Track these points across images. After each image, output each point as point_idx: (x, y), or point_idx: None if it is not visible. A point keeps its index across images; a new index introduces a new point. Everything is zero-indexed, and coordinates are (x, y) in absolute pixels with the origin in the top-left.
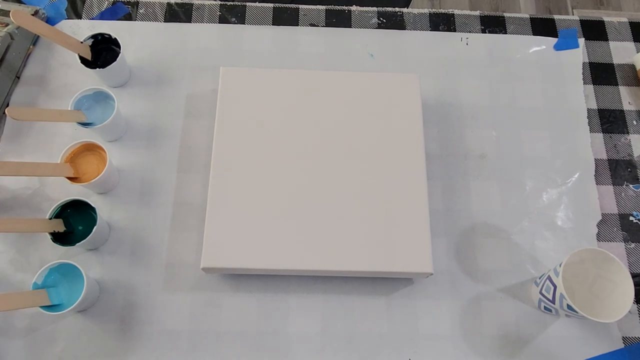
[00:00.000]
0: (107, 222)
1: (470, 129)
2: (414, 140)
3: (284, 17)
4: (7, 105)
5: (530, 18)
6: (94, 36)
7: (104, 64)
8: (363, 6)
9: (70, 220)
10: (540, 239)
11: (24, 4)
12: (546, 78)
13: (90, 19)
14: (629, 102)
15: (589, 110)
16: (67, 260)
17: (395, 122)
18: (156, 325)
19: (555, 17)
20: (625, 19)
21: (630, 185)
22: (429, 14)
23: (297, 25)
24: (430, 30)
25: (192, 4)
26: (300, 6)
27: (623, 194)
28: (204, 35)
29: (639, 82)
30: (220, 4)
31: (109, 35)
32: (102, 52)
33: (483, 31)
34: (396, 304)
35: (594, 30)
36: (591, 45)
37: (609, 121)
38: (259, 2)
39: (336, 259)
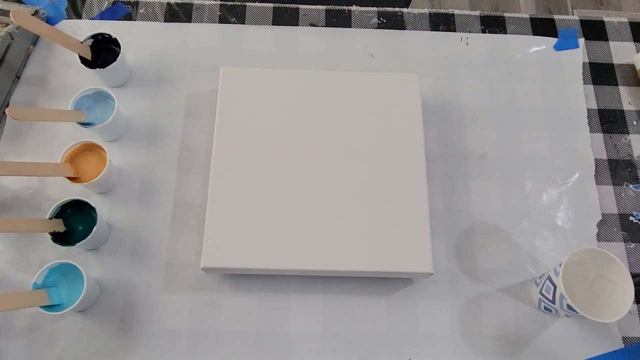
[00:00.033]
0: (107, 222)
1: (470, 129)
2: (414, 140)
3: (284, 17)
4: (7, 105)
5: (530, 18)
6: (94, 36)
7: (104, 64)
8: (363, 6)
9: (70, 220)
10: (540, 239)
11: (24, 3)
12: (546, 78)
13: (90, 19)
14: (629, 102)
15: (589, 110)
16: (67, 260)
17: (395, 122)
18: (156, 325)
19: (555, 17)
20: (625, 19)
21: (630, 185)
22: (429, 14)
23: (297, 25)
24: (430, 30)
25: (192, 4)
26: (300, 6)
27: (623, 194)
28: (204, 35)
29: (639, 82)
30: (221, 4)
31: (109, 35)
32: (102, 52)
33: (483, 31)
34: (396, 304)
35: (594, 30)
36: (591, 45)
37: (609, 121)
38: (259, 2)
39: (336, 259)
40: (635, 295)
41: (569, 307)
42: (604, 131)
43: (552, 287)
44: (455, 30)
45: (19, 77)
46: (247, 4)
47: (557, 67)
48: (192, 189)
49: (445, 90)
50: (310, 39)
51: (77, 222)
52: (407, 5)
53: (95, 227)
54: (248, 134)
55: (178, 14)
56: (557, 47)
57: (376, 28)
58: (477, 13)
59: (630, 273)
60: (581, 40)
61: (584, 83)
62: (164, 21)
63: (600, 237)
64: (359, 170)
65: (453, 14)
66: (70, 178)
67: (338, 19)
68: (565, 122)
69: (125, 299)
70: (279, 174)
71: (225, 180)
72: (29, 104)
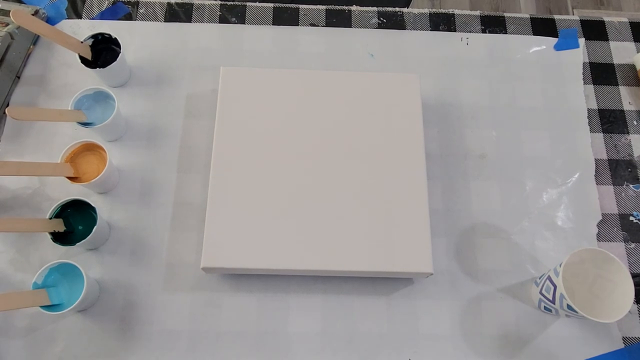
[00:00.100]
0: (107, 222)
1: (470, 129)
2: (414, 140)
3: (284, 17)
4: (8, 105)
5: (531, 18)
6: (94, 36)
7: (104, 64)
8: (363, 6)
9: (70, 220)
10: (540, 239)
11: (25, 3)
12: (546, 78)
13: (91, 19)
14: (629, 102)
15: (589, 110)
16: (67, 260)
17: (395, 122)
18: (156, 325)
19: (556, 17)
20: (625, 19)
21: (631, 185)
22: (429, 13)
23: (297, 25)
24: (431, 30)
25: (192, 4)
26: (301, 6)
27: (623, 194)
28: (204, 35)
29: (639, 82)
30: (221, 4)
31: (109, 35)
32: (102, 52)
33: (483, 31)
34: (396, 304)
35: (594, 30)
36: (591, 45)
37: (609, 121)
38: (259, 2)
39: (336, 259)
40: (635, 295)
41: (569, 307)
42: (604, 131)
43: (552, 287)
44: (455, 30)
45: (19, 77)
46: (247, 3)
47: (557, 67)
48: (192, 189)
49: (445, 90)
50: (310, 39)
51: (77, 222)
52: (407, 5)
53: (95, 227)
54: (248, 134)
55: (178, 14)
56: (558, 47)
57: (376, 28)
58: (478, 13)
59: (630, 273)
60: (581, 40)
61: (584, 83)
62: (164, 21)
63: (600, 237)
64: (359, 170)
65: (453, 14)
66: (70, 178)
67: (338, 19)
68: (565, 122)
69: (125, 298)
70: (279, 174)
71: (225, 180)
72: (29, 104)
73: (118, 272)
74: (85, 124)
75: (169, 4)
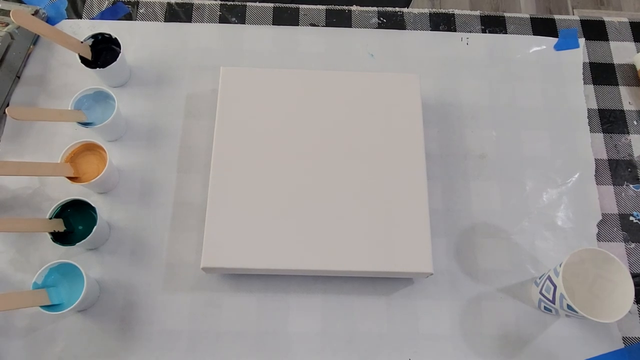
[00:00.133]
0: (107, 222)
1: (471, 129)
2: (414, 140)
3: (284, 17)
4: (8, 105)
5: (531, 18)
6: (94, 36)
7: (104, 64)
8: (363, 6)
9: (70, 220)
10: (540, 239)
11: (25, 3)
12: (546, 78)
13: (91, 19)
14: (629, 102)
15: (589, 110)
16: (67, 260)
17: (395, 122)
18: (156, 325)
19: (556, 17)
20: (625, 19)
21: (631, 185)
22: (429, 13)
23: (297, 25)
24: (431, 30)
25: (192, 4)
26: (301, 6)
27: (623, 194)
28: (204, 35)
29: (639, 82)
30: (221, 4)
31: (109, 35)
32: (103, 51)
33: (483, 31)
34: (396, 304)
35: (595, 30)
36: (591, 45)
37: (609, 121)
38: (259, 2)
39: (336, 259)
40: (635, 295)
41: (569, 307)
42: (604, 131)
43: (552, 287)
44: (455, 30)
45: (19, 77)
46: (248, 3)
47: (557, 67)
48: (192, 189)
49: (446, 90)
50: (310, 39)
51: (77, 222)
52: (407, 5)
53: (95, 227)
54: (248, 134)
55: (178, 14)
56: (558, 47)
57: (376, 28)
58: (478, 13)
59: (630, 273)
60: (581, 40)
61: (584, 83)
62: (164, 21)
63: (600, 237)
64: (359, 170)
65: (453, 14)
66: (70, 178)
67: (338, 19)
68: (565, 122)
69: (125, 298)
70: (279, 174)
71: (225, 180)
72: (29, 104)
73: (118, 272)
74: (85, 124)
75: (169, 4)
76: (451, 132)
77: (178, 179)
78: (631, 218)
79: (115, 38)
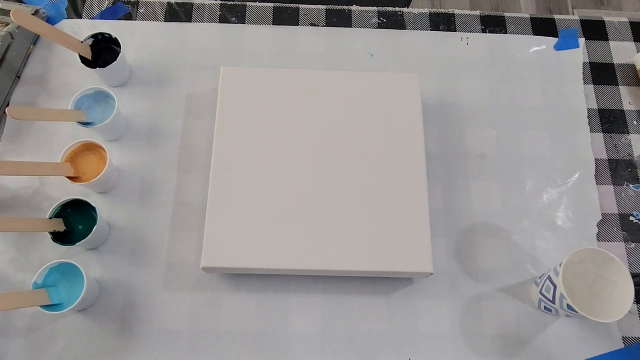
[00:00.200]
0: (108, 221)
1: (471, 129)
2: (414, 140)
3: (285, 17)
4: (8, 105)
5: (531, 18)
6: (95, 36)
7: (104, 64)
8: (363, 6)
9: (70, 220)
10: (540, 239)
11: (25, 3)
12: (546, 78)
13: (91, 19)
14: (630, 102)
15: (589, 110)
16: (68, 259)
17: (395, 122)
18: (156, 325)
19: (556, 17)
20: (625, 19)
21: (631, 186)
22: (430, 13)
23: (298, 25)
24: (431, 30)
25: (192, 4)
26: (301, 6)
27: (623, 194)
28: (204, 35)
29: (639, 82)
30: (221, 4)
31: (110, 35)
32: (103, 51)
33: (483, 31)
34: (396, 304)
35: (595, 30)
36: (592, 45)
37: (610, 121)
38: (260, 2)
39: (336, 259)
40: (636, 295)
41: (569, 307)
42: (605, 131)
43: (553, 287)
44: (455, 30)
45: (19, 77)
46: (248, 3)
47: (557, 67)
48: (192, 189)
49: (446, 90)
50: (310, 39)
51: (78, 222)
52: (407, 5)
53: (95, 226)
54: (248, 134)
55: (178, 14)
56: (558, 47)
57: (376, 28)
58: (478, 13)
59: (631, 273)
60: (582, 40)
61: (585, 83)
62: (165, 21)
63: (600, 237)
64: (359, 170)
65: (453, 14)
66: (70, 178)
67: (338, 19)
68: (565, 122)
69: (126, 298)
70: (279, 174)
71: (225, 180)
72: (29, 104)
73: (118, 272)
74: (85, 124)
75: (169, 4)
76: (451, 132)
77: (178, 179)
78: (631, 218)
79: (116, 38)
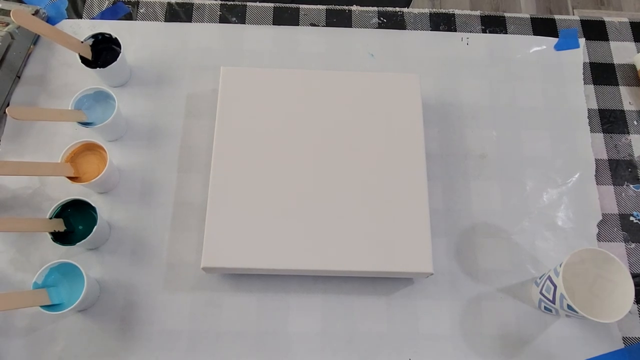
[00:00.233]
0: (108, 221)
1: (471, 128)
2: (415, 140)
3: (285, 17)
4: (8, 105)
5: (531, 18)
6: (95, 36)
7: (104, 64)
8: (363, 6)
9: (70, 220)
10: (540, 239)
11: (25, 3)
12: (547, 78)
13: (91, 19)
14: (630, 102)
15: (589, 110)
16: (68, 259)
17: (395, 122)
18: (156, 325)
19: (556, 17)
20: (625, 19)
21: (631, 186)
22: (430, 13)
23: (298, 25)
24: (431, 30)
25: (192, 4)
26: (301, 6)
27: (623, 194)
28: (204, 35)
29: (639, 82)
30: (221, 4)
31: (110, 34)
32: (103, 51)
33: (483, 31)
34: (396, 304)
35: (595, 30)
36: (592, 45)
37: (610, 121)
38: (260, 2)
39: (336, 259)
40: (636, 295)
41: (569, 307)
42: (605, 131)
43: (553, 287)
44: (455, 30)
45: (19, 77)
46: (248, 3)
47: (557, 67)
48: (192, 188)
49: (446, 90)
50: (310, 39)
51: (78, 222)
52: (407, 5)
53: (95, 226)
54: (248, 134)
55: (178, 14)
56: (558, 47)
57: (376, 28)
58: (478, 13)
59: (631, 273)
60: (582, 40)
61: (585, 83)
62: (165, 21)
63: (600, 237)
64: (359, 170)
65: (453, 14)
66: (70, 178)
67: (338, 19)
68: (565, 122)
69: (126, 298)
70: (279, 174)
71: (225, 180)
72: (29, 104)
73: (118, 272)
74: (85, 124)
75: (169, 3)
76: (451, 132)
77: (178, 178)
78: (631, 218)
79: (116, 38)
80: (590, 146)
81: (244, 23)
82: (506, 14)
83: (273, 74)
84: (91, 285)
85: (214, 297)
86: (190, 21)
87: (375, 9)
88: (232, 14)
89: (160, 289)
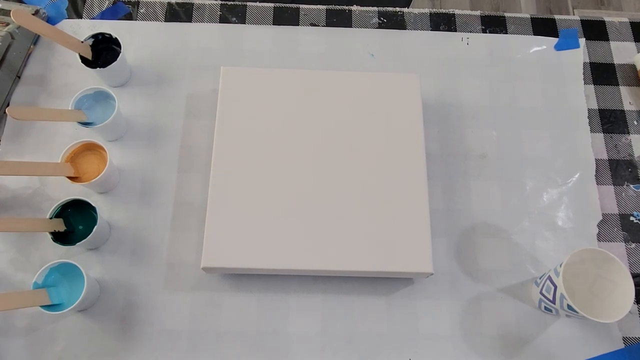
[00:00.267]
0: (108, 221)
1: (471, 128)
2: (415, 140)
3: (285, 17)
4: (8, 105)
5: (531, 18)
6: (95, 36)
7: (104, 64)
8: (364, 6)
9: (70, 220)
10: (540, 239)
11: (25, 3)
12: (547, 78)
13: (91, 19)
14: (630, 102)
15: (589, 110)
16: (68, 259)
17: (395, 122)
18: (156, 325)
19: (556, 17)
20: (626, 19)
21: (631, 186)
22: (430, 13)
23: (298, 25)
24: (431, 30)
25: (192, 4)
26: (301, 6)
27: (623, 194)
28: (204, 35)
29: None
30: (221, 4)
31: (110, 34)
32: (103, 51)
33: (484, 31)
34: (396, 304)
35: (595, 30)
36: (592, 45)
37: (610, 121)
38: (260, 2)
39: (336, 259)
40: (636, 295)
41: (569, 307)
42: (605, 131)
43: (553, 287)
44: (455, 30)
45: (19, 77)
46: (248, 3)
47: (557, 67)
48: (192, 188)
49: (446, 90)
50: (310, 39)
51: (78, 222)
52: (407, 5)
53: (95, 226)
54: (248, 134)
55: (179, 14)
56: (558, 47)
57: (377, 28)
58: (478, 13)
59: (631, 273)
60: (582, 40)
61: (585, 83)
62: (165, 21)
63: (600, 237)
64: (359, 170)
65: (454, 14)
66: (70, 178)
67: (338, 19)
68: (565, 122)
69: (126, 298)
70: (279, 174)
71: (225, 180)
72: (29, 104)
73: (118, 272)
74: (85, 124)
75: (169, 3)
76: (451, 132)
77: (178, 178)
78: (631, 218)
79: (116, 38)
80: (591, 146)
81: (244, 23)
82: (506, 14)
83: (273, 74)
84: (91, 285)
85: (214, 297)
86: (190, 21)
87: (376, 9)
88: (232, 14)
89: (160, 289)
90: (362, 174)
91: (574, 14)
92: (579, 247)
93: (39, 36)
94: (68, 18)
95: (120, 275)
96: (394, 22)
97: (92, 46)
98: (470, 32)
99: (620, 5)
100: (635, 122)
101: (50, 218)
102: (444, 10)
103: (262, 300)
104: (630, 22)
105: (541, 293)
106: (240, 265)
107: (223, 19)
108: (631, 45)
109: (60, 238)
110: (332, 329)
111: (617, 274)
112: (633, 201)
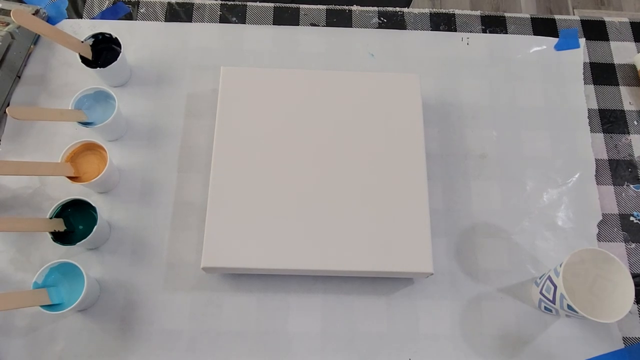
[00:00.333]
0: (108, 221)
1: (471, 128)
2: (415, 140)
3: (285, 17)
4: (8, 105)
5: (531, 18)
6: (95, 36)
7: (104, 64)
8: (364, 6)
9: (70, 220)
10: (540, 239)
11: (25, 3)
12: (547, 78)
13: (91, 19)
14: (630, 102)
15: (589, 110)
16: (68, 259)
17: (395, 122)
18: (156, 325)
19: (556, 17)
20: (626, 19)
21: (631, 186)
22: (430, 13)
23: (298, 25)
24: (431, 30)
25: (192, 4)
26: (301, 6)
27: (623, 194)
28: (204, 35)
29: None
30: (221, 4)
31: (110, 34)
32: (103, 51)
33: (484, 31)
34: (396, 304)
35: (595, 30)
36: (592, 45)
37: (610, 121)
38: (260, 2)
39: (336, 259)
40: (636, 295)
41: (569, 307)
42: (605, 131)
43: (553, 287)
44: (455, 30)
45: (19, 77)
46: (248, 3)
47: (557, 67)
48: (192, 188)
49: (446, 90)
50: (310, 39)
51: (78, 222)
52: (407, 5)
53: (95, 226)
54: (248, 134)
55: (179, 14)
56: (558, 47)
57: (377, 28)
58: (478, 13)
59: (631, 273)
60: (582, 40)
61: (585, 83)
62: (165, 21)
63: (600, 237)
64: (359, 170)
65: (454, 14)
66: (70, 177)
67: (339, 19)
68: (565, 122)
69: (126, 298)
70: (279, 174)
71: (225, 179)
72: (29, 104)
73: (118, 272)
74: (85, 124)
75: (169, 3)
76: (451, 132)
77: (178, 178)
78: (631, 218)
79: (116, 38)
80: (591, 146)
81: (244, 23)
82: (506, 14)
83: (273, 74)
84: (91, 285)
85: (214, 297)
86: (190, 21)
87: (376, 9)
88: (232, 13)
89: (160, 289)
90: (362, 173)
91: (574, 14)
92: (579, 247)
93: (39, 36)
94: (68, 18)
95: (120, 275)
96: (394, 22)
97: (92, 46)
98: (470, 32)
99: (620, 5)
100: (635, 122)
101: (50, 218)
102: (444, 10)
103: (262, 300)
104: (630, 22)
105: (541, 293)
106: (240, 265)
107: (223, 19)
108: (631, 45)
109: (60, 238)
110: (332, 329)
111: (617, 274)
112: (633, 201)
